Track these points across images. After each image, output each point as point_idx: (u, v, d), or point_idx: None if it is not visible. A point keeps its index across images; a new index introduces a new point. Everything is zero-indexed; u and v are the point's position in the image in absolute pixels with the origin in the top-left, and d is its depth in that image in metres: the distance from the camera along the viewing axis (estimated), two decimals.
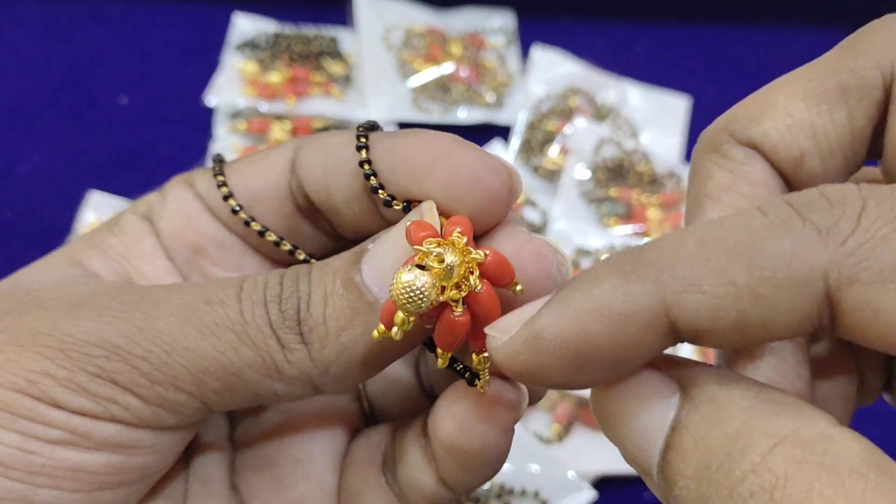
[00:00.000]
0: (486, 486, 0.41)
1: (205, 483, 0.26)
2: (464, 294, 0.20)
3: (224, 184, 0.26)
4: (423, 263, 0.20)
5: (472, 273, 0.20)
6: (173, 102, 0.60)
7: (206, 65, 0.62)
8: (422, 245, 0.20)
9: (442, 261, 0.20)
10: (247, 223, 0.26)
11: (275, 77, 0.61)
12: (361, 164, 0.23)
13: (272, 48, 0.63)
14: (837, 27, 0.71)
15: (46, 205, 0.55)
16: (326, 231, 0.26)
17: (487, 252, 0.20)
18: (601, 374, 0.18)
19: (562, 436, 0.46)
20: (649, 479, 0.18)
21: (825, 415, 0.16)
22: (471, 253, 0.20)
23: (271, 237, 0.26)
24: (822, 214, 0.16)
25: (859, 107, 0.20)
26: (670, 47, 0.69)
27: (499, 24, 0.67)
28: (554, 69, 0.64)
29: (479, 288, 0.20)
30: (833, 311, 0.16)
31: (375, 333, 0.20)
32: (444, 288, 0.20)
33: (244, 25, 0.64)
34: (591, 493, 0.42)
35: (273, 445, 0.27)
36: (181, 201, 0.26)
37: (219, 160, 0.27)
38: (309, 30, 0.65)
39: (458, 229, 0.21)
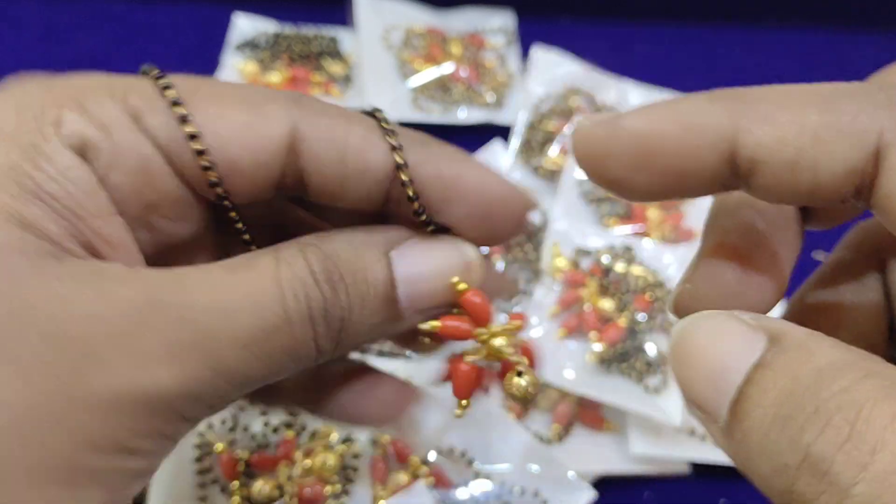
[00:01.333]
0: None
1: None
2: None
3: (203, 152, 0.22)
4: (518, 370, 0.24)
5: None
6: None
7: (206, 65, 0.62)
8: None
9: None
10: (230, 209, 0.24)
11: (275, 77, 0.61)
12: (404, 184, 0.23)
13: (272, 48, 0.63)
14: (837, 27, 0.71)
15: None
16: (291, 198, 0.26)
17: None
18: (657, 178, 0.20)
19: (562, 436, 0.46)
20: (710, 422, 0.19)
21: None
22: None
23: (245, 237, 0.25)
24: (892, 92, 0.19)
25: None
26: (670, 47, 0.69)
27: (499, 24, 0.67)
28: (554, 69, 0.64)
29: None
30: (876, 170, 0.18)
31: (458, 411, 0.24)
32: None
33: (244, 25, 0.64)
34: (591, 493, 0.42)
35: None
36: (137, 151, 0.22)
37: (176, 102, 0.23)
38: (309, 30, 0.65)
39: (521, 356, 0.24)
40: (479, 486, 0.41)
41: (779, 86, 0.20)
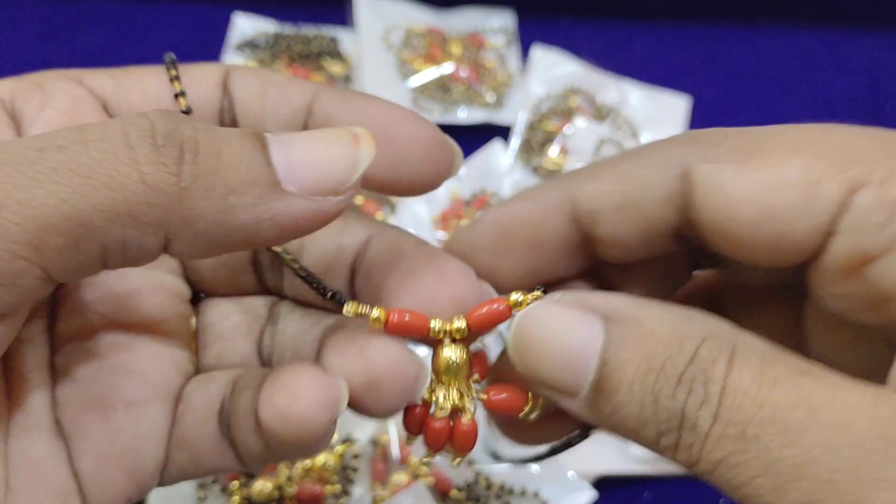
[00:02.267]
0: (487, 486, 0.41)
1: (27, 413, 0.23)
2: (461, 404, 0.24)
3: (177, 78, 0.25)
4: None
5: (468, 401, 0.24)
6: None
7: None
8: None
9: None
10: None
11: None
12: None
13: (272, 48, 0.63)
14: (837, 27, 0.71)
15: None
16: None
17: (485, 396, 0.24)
18: (523, 253, 0.24)
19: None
20: (571, 400, 0.21)
21: (724, 320, 0.20)
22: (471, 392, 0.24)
23: None
24: (694, 132, 0.23)
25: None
26: (670, 47, 0.69)
27: (499, 24, 0.67)
28: (554, 69, 0.64)
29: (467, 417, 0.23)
30: (687, 189, 0.22)
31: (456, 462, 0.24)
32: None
33: (244, 25, 0.64)
34: (591, 493, 0.42)
35: (101, 381, 0.24)
36: (74, 97, 0.23)
37: (172, 60, 0.26)
38: (309, 30, 0.65)
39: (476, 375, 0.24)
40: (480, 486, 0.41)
41: (594, 164, 0.25)
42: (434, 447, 0.24)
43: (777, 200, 0.21)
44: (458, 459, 0.24)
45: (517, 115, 0.61)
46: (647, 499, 0.45)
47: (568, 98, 0.62)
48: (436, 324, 0.22)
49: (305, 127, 0.25)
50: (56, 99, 0.23)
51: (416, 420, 0.24)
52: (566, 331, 0.21)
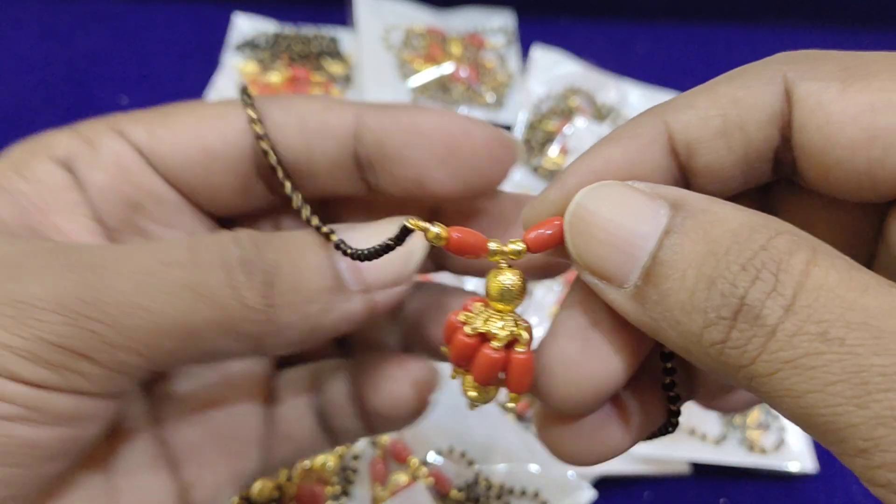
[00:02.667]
0: (486, 486, 0.41)
1: (130, 436, 0.26)
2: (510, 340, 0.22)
3: (258, 120, 0.25)
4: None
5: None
6: (173, 102, 0.60)
7: (206, 65, 0.62)
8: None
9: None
10: (284, 182, 0.25)
11: (275, 77, 0.61)
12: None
13: (272, 48, 0.63)
14: (837, 27, 0.71)
15: None
16: (279, 192, 0.26)
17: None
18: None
19: None
20: (614, 287, 0.20)
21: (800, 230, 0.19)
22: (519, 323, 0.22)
23: (297, 198, 0.25)
24: (789, 54, 0.22)
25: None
26: (670, 47, 0.69)
27: (499, 24, 0.67)
28: (554, 69, 0.64)
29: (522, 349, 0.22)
30: (789, 107, 0.20)
31: (511, 404, 0.22)
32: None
33: (244, 25, 0.64)
34: (591, 493, 0.42)
35: (201, 405, 0.27)
36: (117, 153, 0.25)
37: (245, 91, 0.26)
38: (309, 30, 0.65)
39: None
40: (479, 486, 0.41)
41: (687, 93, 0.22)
42: (486, 380, 0.22)
43: (882, 123, 0.19)
44: (513, 398, 0.22)
45: (517, 115, 0.61)
46: (647, 499, 0.45)
47: (568, 98, 0.62)
48: (493, 245, 0.21)
49: (356, 156, 0.25)
50: (103, 159, 0.25)
51: (468, 350, 0.22)
52: (628, 211, 0.19)
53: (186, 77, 0.61)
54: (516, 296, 0.22)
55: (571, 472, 0.42)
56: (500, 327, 0.21)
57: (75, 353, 0.20)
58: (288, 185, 0.25)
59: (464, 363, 0.22)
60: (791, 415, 0.17)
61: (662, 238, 0.19)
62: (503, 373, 0.22)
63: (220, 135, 0.25)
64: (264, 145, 0.24)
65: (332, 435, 0.29)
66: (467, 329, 0.22)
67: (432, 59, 0.63)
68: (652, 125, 0.22)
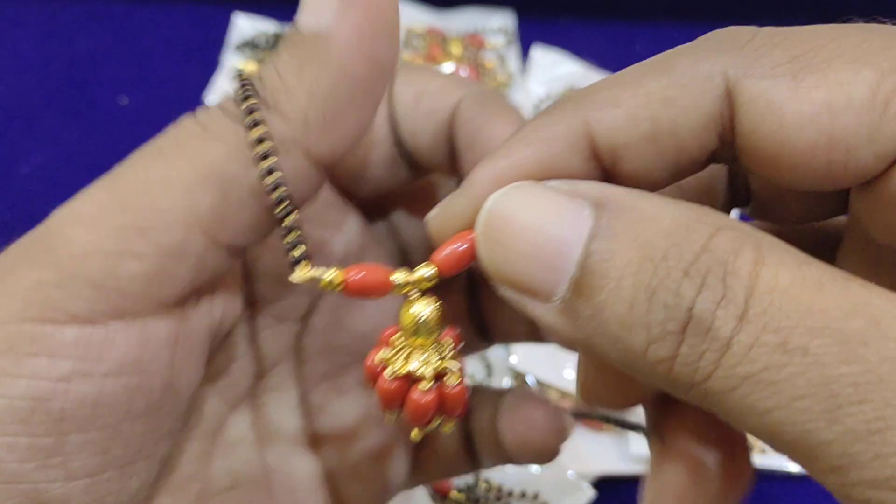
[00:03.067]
0: (486, 488, 0.41)
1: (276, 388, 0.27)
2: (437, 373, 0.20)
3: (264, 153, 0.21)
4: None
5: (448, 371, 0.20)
6: (173, 102, 0.60)
7: (206, 65, 0.62)
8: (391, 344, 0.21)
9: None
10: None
11: None
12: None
13: (272, 48, 0.63)
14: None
15: (46, 205, 0.55)
16: (419, 172, 0.27)
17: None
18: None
19: None
20: (543, 306, 0.17)
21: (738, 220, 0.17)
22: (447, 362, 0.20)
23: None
24: (726, 34, 0.20)
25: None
26: (670, 47, 0.69)
27: (499, 24, 0.67)
28: (554, 69, 0.64)
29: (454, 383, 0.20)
30: (732, 109, 0.18)
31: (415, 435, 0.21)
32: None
33: (244, 25, 0.64)
34: (591, 493, 0.42)
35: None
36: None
37: (241, 76, 0.24)
38: None
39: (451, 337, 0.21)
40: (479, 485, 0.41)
41: (602, 81, 0.19)
42: (421, 422, 0.20)
43: (841, 124, 0.17)
44: (450, 424, 0.21)
45: None
46: None
47: None
48: (398, 276, 0.19)
49: (450, 143, 0.25)
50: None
51: (395, 395, 0.20)
52: (546, 216, 0.17)
53: (186, 77, 0.61)
54: (434, 327, 0.20)
55: (571, 472, 0.42)
56: (424, 363, 0.20)
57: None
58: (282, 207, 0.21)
59: (395, 406, 0.20)
60: (755, 432, 0.15)
61: (589, 244, 0.17)
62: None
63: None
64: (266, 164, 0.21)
65: (473, 458, 0.29)
66: (388, 373, 0.20)
67: (432, 59, 0.63)
68: (569, 124, 0.19)
